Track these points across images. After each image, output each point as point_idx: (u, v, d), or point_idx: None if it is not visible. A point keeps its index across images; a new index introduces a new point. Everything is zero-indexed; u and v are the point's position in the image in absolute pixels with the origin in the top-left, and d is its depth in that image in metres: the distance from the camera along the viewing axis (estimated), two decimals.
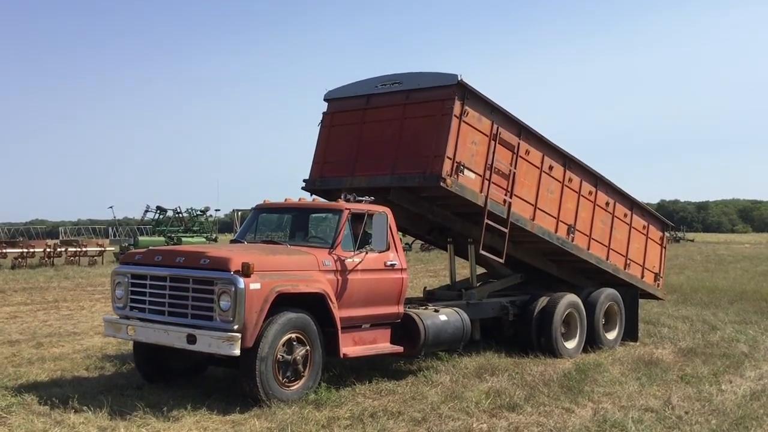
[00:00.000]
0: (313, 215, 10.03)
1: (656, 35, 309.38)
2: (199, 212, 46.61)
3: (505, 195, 10.94)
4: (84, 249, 34.93)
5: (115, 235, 50.94)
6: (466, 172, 10.26)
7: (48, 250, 32.91)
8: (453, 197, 10.35)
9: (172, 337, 8.12)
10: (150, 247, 9.74)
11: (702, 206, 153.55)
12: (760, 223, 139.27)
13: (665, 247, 14.57)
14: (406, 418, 7.64)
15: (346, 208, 9.34)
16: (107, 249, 37.01)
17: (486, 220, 10.55)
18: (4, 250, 31.82)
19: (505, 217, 10.89)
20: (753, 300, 19.67)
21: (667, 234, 14.97)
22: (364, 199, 9.70)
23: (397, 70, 11.69)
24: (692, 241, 71.40)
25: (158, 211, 45.92)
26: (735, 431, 7.45)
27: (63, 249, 34.21)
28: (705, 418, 7.98)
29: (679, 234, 74.46)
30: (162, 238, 38.38)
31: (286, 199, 10.24)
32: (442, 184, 9.88)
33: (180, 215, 46.30)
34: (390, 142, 10.61)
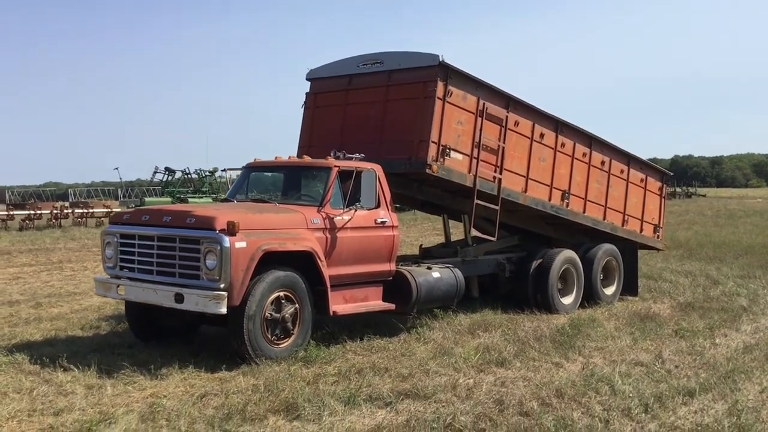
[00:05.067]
0: (304, 173, 9.95)
1: None
2: (207, 173, 46.62)
3: (495, 171, 10.82)
4: (91, 210, 35.08)
5: (124, 197, 51.12)
6: (452, 154, 10.14)
7: (55, 211, 33.06)
8: (441, 179, 10.24)
9: (161, 296, 8.15)
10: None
11: (716, 161, 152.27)
12: None
13: (665, 198, 14.42)
14: (392, 374, 7.65)
15: (335, 166, 9.25)
16: (114, 210, 37.12)
17: (476, 200, 10.46)
18: (11, 212, 32.02)
19: (495, 194, 10.79)
20: (759, 254, 19.54)
21: (666, 187, 14.74)
22: (354, 156, 9.60)
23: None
24: (704, 196, 70.88)
25: (167, 173, 46.03)
26: (723, 384, 7.39)
27: (70, 210, 34.37)
28: (694, 371, 7.95)
29: (691, 189, 73.97)
30: (169, 199, 38.48)
31: (276, 158, 10.16)
32: (427, 170, 9.77)
33: (189, 176, 46.36)
34: (374, 126, 10.47)
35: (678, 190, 67.95)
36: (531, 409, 6.48)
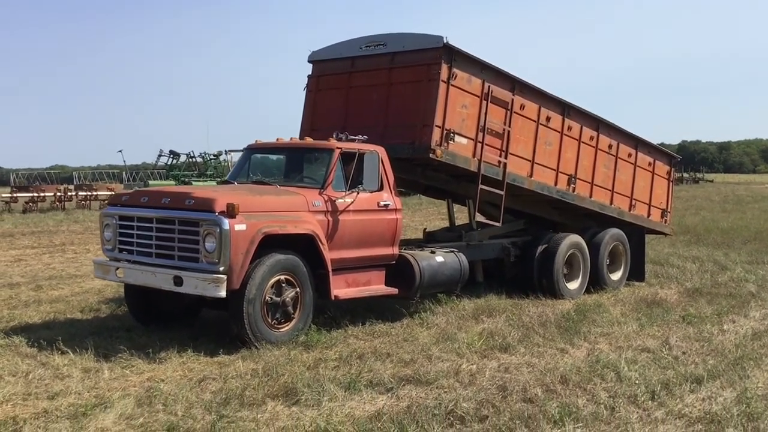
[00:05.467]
0: (305, 155, 9.78)
1: None
2: (212, 156, 46.50)
3: (500, 156, 10.63)
4: (95, 193, 35.01)
5: (128, 180, 51.13)
6: (457, 138, 9.95)
7: (58, 194, 32.98)
8: (445, 164, 10.05)
9: (160, 279, 8.03)
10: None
11: (724, 147, 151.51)
12: None
13: (673, 181, 14.22)
14: (394, 359, 7.52)
15: (337, 147, 9.08)
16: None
17: (481, 185, 10.28)
18: (14, 195, 31.96)
19: (500, 178, 10.60)
20: None
21: (674, 170, 14.55)
22: (356, 138, 9.44)
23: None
24: (711, 182, 70.33)
25: (171, 156, 45.94)
26: (732, 371, 7.24)
27: (74, 193, 34.31)
28: (702, 358, 7.80)
29: (699, 175, 73.49)
30: (173, 182, 38.37)
31: (277, 139, 9.99)
32: (431, 155, 9.60)
33: (193, 159, 46.26)
34: (377, 109, 10.29)
35: (685, 175, 67.46)
36: (535, 396, 6.35)
